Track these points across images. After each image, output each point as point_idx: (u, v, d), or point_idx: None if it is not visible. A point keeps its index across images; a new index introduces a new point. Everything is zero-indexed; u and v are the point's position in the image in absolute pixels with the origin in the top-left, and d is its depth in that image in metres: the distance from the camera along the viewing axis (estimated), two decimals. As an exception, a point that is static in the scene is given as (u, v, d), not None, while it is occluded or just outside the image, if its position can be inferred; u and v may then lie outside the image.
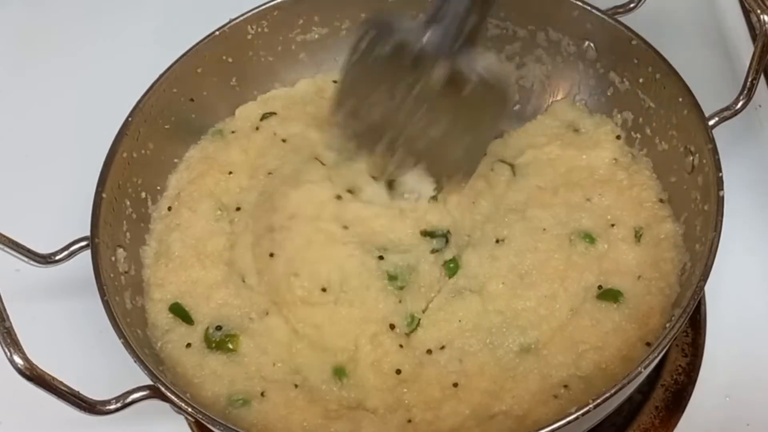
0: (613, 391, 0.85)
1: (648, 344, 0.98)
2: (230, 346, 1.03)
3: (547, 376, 0.97)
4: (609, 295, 1.02)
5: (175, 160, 1.20)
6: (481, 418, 0.95)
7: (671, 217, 1.07)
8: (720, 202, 0.96)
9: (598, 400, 0.84)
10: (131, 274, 1.08)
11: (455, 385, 0.98)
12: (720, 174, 0.98)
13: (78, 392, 0.87)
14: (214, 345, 1.04)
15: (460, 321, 1.02)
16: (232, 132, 1.24)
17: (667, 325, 0.91)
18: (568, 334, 1.00)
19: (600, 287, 1.03)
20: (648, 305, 1.01)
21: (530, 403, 0.95)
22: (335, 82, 1.25)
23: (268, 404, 0.99)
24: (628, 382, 0.86)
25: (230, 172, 1.19)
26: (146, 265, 1.12)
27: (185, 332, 1.05)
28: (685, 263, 1.02)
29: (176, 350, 1.04)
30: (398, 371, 1.00)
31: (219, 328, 1.05)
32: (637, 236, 1.06)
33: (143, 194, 1.15)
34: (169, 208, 1.17)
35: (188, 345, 1.04)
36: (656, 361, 0.90)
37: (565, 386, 0.96)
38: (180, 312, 1.07)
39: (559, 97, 1.25)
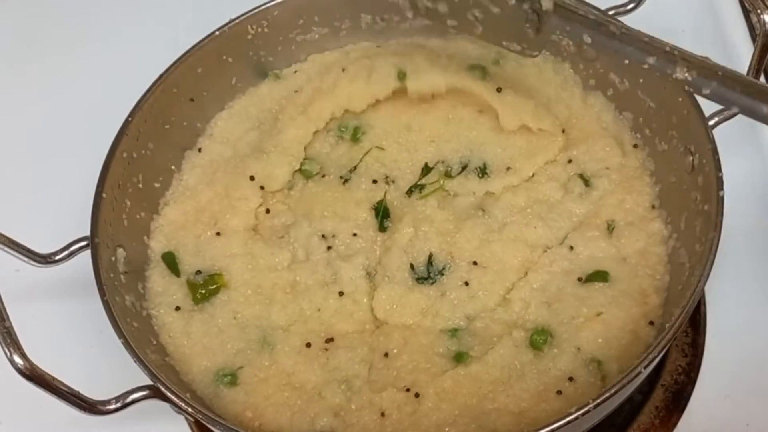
0: (612, 391, 0.85)
1: (651, 323, 0.99)
2: (216, 286, 1.08)
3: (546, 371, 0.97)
4: (597, 276, 1.03)
5: (172, 167, 1.20)
6: (475, 414, 0.96)
7: (660, 219, 1.08)
8: (720, 202, 0.96)
9: (598, 400, 0.84)
10: (130, 274, 1.08)
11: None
12: (720, 174, 0.98)
13: (78, 392, 0.87)
14: (200, 293, 1.07)
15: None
16: (295, 72, 1.29)
17: (667, 325, 0.91)
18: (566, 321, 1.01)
19: (579, 279, 1.04)
20: (639, 286, 1.02)
21: (529, 401, 0.95)
22: None
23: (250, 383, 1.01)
24: (628, 382, 0.86)
25: (296, 91, 1.24)
26: (159, 214, 1.16)
27: (176, 289, 1.09)
28: (683, 262, 1.02)
29: (166, 315, 1.07)
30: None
31: (199, 272, 1.09)
32: (609, 229, 1.08)
33: (143, 193, 1.15)
34: (200, 150, 1.22)
35: (177, 308, 1.07)
36: (656, 361, 0.90)
37: (570, 378, 0.96)
38: (170, 261, 1.10)
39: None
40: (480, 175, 1.15)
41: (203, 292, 1.08)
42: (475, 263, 1.07)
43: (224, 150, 1.22)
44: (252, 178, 1.15)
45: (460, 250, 1.08)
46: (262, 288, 1.08)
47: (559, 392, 0.95)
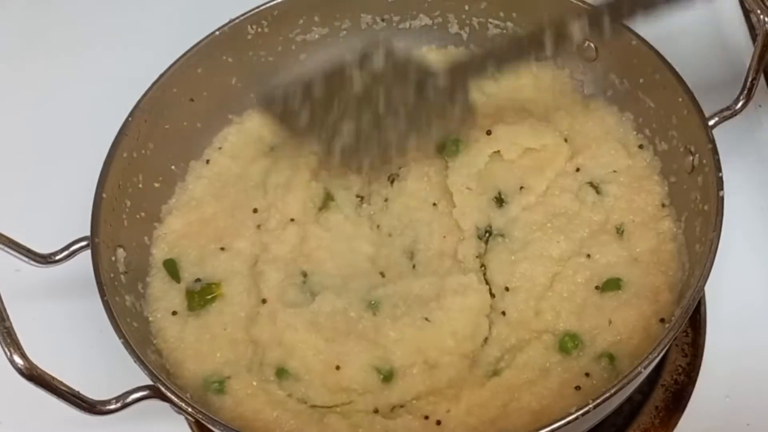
0: (613, 391, 0.85)
1: (662, 320, 0.99)
2: (212, 295, 1.07)
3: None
4: (611, 284, 1.03)
5: (173, 167, 1.20)
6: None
7: (670, 217, 1.08)
8: (720, 202, 0.96)
9: (598, 400, 0.84)
10: (131, 274, 1.08)
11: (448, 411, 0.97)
12: (720, 174, 0.97)
13: (78, 392, 0.87)
14: (196, 301, 1.07)
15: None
16: None
17: (667, 325, 0.91)
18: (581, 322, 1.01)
19: (597, 287, 1.03)
20: (652, 284, 1.02)
21: (550, 398, 0.95)
22: None
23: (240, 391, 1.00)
24: (628, 383, 0.86)
25: None
26: (161, 221, 1.16)
27: (175, 294, 1.09)
28: (683, 262, 1.02)
29: (163, 319, 1.06)
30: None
31: (198, 280, 1.09)
32: (619, 231, 1.07)
33: (144, 194, 1.14)
34: (207, 161, 1.22)
35: (174, 312, 1.07)
36: (656, 361, 0.90)
37: (587, 374, 0.97)
38: (171, 268, 1.10)
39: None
40: (499, 204, 1.12)
41: (199, 300, 1.07)
42: (507, 289, 1.05)
43: (233, 165, 1.21)
44: (255, 211, 1.15)
45: (490, 282, 1.06)
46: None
47: (578, 387, 0.95)
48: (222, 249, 1.12)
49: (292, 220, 1.13)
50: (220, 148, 1.23)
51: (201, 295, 1.08)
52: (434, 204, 1.14)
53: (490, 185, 1.13)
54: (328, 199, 1.16)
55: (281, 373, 1.01)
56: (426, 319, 1.01)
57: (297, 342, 1.02)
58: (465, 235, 1.09)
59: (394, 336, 1.01)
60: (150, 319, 1.07)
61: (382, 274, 1.10)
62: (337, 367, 1.00)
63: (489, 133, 1.15)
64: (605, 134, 1.17)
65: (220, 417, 0.96)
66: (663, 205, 1.09)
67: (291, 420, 0.97)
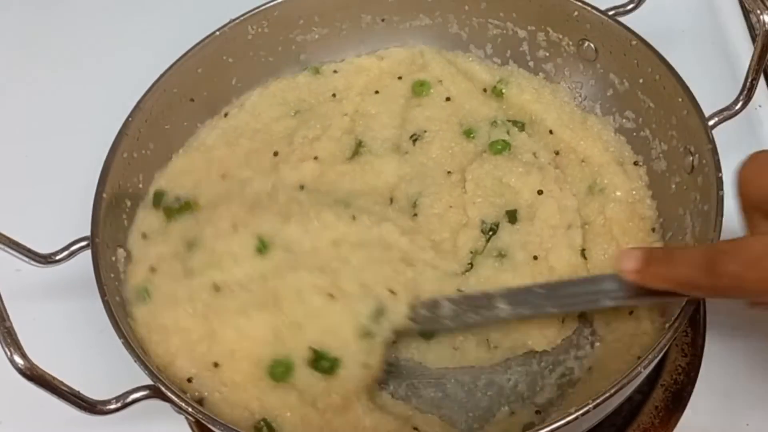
0: (612, 391, 0.84)
1: None
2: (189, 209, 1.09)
3: None
4: None
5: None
6: None
7: (659, 243, 1.07)
8: (720, 202, 0.96)
9: (598, 400, 0.84)
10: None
11: None
12: (720, 174, 0.97)
13: (78, 392, 0.87)
14: (170, 213, 1.09)
15: None
16: (335, 72, 1.27)
17: (667, 325, 0.91)
18: None
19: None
20: None
21: None
22: None
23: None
24: (628, 382, 0.86)
25: (334, 95, 1.23)
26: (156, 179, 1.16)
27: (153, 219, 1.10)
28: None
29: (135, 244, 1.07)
30: None
31: (178, 198, 1.11)
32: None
33: (144, 193, 1.14)
34: (225, 114, 1.22)
35: (144, 236, 1.08)
36: (656, 361, 0.89)
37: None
38: (157, 197, 1.12)
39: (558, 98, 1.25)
40: (511, 221, 1.10)
41: (176, 212, 1.09)
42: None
43: (253, 121, 1.21)
44: (276, 154, 1.16)
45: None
46: None
47: None
48: (223, 176, 1.13)
49: (316, 158, 1.14)
50: (242, 105, 1.23)
51: (179, 211, 1.09)
52: (449, 172, 1.14)
53: (508, 196, 1.12)
54: (359, 146, 1.18)
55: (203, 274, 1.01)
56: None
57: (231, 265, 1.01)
58: (469, 223, 1.09)
59: None
60: (127, 248, 1.07)
61: (391, 200, 1.12)
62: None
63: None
64: (603, 152, 1.16)
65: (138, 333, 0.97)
66: (653, 230, 1.09)
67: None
